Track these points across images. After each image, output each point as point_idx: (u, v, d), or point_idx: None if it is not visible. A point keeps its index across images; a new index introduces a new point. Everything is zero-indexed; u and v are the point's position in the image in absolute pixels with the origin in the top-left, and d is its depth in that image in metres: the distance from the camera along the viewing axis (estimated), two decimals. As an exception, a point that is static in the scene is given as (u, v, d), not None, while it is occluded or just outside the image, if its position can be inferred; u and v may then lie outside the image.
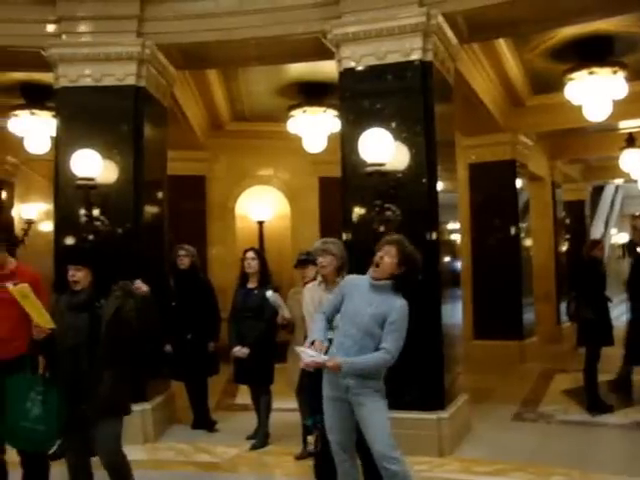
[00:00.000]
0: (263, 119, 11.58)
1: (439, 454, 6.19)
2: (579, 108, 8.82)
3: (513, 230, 11.35)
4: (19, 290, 4.22)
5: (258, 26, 7.05)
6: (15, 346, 4.74)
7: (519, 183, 11.50)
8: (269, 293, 6.30)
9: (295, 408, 6.44)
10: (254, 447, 6.66)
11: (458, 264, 7.54)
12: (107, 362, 4.23)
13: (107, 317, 4.23)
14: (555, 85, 9.35)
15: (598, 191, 20.63)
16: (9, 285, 4.41)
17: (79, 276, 4.34)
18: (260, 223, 12.60)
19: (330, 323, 4.44)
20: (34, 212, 13.45)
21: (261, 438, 6.74)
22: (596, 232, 20.04)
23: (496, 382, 9.32)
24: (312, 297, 5.32)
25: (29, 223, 12.84)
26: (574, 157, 14.55)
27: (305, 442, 6.21)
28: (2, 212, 11.84)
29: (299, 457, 6.26)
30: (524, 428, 7.28)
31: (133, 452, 4.46)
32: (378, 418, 4.29)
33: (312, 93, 10.04)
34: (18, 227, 12.57)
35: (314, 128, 10.09)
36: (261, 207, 12.65)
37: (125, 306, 4.26)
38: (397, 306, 4.29)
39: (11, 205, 12.30)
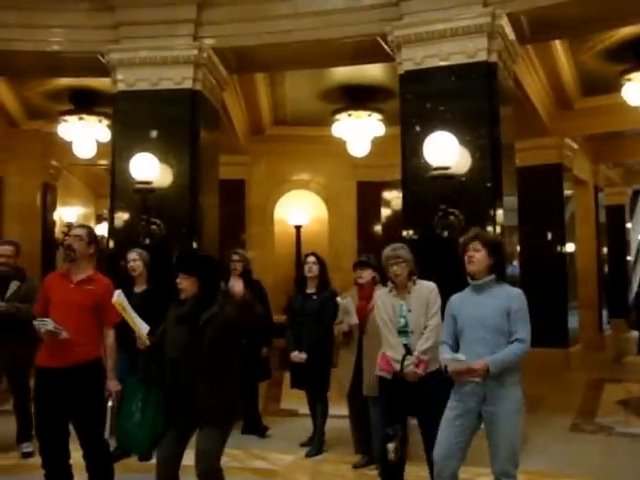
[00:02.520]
0: (304, 123, 11.54)
1: (499, 465, 6.05)
2: (634, 109, 8.66)
3: (559, 235, 11.18)
4: (118, 301, 4.19)
5: (314, 28, 7.01)
6: (84, 351, 4.68)
7: (565, 187, 11.32)
8: (339, 298, 6.20)
9: (347, 415, 6.36)
10: (310, 454, 6.55)
11: (517, 269, 7.40)
12: (206, 373, 4.10)
13: (201, 326, 4.09)
14: (608, 86, 9.20)
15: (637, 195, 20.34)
16: (117, 292, 4.36)
17: (185, 285, 4.16)
18: (298, 227, 12.56)
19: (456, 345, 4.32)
20: (74, 215, 13.57)
21: (317, 445, 6.63)
22: (635, 237, 19.76)
23: (545, 391, 9.13)
24: (383, 303, 5.22)
25: (69, 226, 12.89)
26: (617, 160, 14.35)
27: (365, 451, 6.12)
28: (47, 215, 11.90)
29: (357, 466, 6.15)
30: (584, 440, 7.09)
31: (186, 456, 4.37)
32: (512, 424, 4.12)
33: (357, 97, 10.01)
34: (59, 230, 12.66)
35: (359, 132, 10.02)
36: (299, 211, 12.62)
37: (223, 312, 4.15)
38: (515, 295, 4.22)
39: (54, 208, 12.36)
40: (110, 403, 4.66)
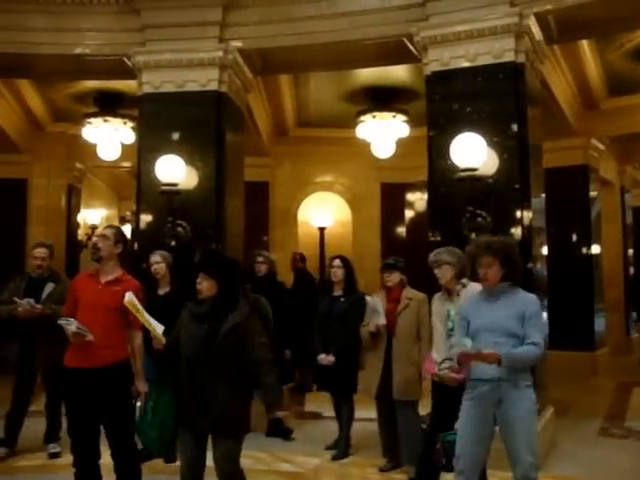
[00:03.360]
0: (328, 125, 11.53)
1: (528, 470, 5.98)
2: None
3: (584, 237, 11.07)
4: (130, 302, 4.17)
5: (340, 30, 7.00)
6: (113, 352, 4.70)
7: (591, 189, 11.21)
8: (369, 297, 6.15)
9: (373, 418, 6.32)
10: (336, 457, 6.51)
11: (545, 271, 7.33)
12: (223, 377, 4.09)
13: (225, 331, 4.10)
14: (635, 86, 9.12)
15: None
16: (128, 294, 4.37)
17: (204, 285, 4.17)
18: (321, 229, 12.55)
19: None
20: (97, 217, 13.66)
21: (342, 448, 6.59)
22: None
23: (572, 395, 9.02)
24: (437, 310, 5.22)
25: (93, 228, 13.03)
26: (644, 161, 14.18)
27: (392, 454, 6.08)
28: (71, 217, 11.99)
29: (384, 469, 6.11)
30: (613, 445, 6.99)
31: (210, 458, 4.37)
32: (528, 427, 4.10)
33: (381, 98, 9.98)
34: (83, 232, 12.75)
35: (383, 133, 9.98)
36: (322, 213, 12.61)
37: (248, 321, 4.16)
38: (528, 300, 4.19)
39: (78, 210, 12.45)
40: (139, 404, 4.66)
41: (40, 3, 7.31)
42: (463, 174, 6.06)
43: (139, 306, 4.26)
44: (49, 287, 6.29)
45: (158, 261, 6.26)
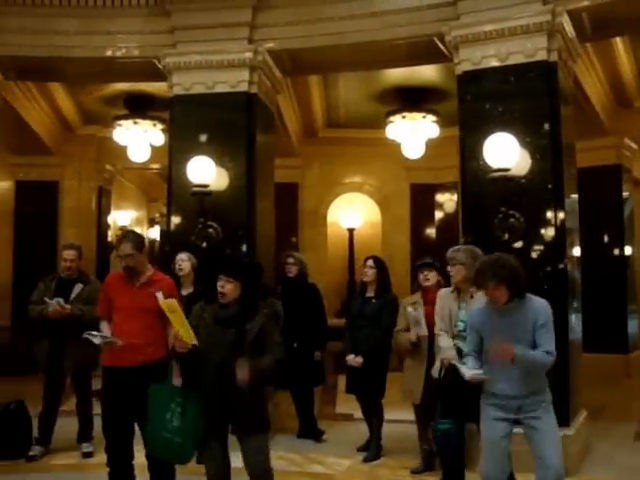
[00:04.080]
0: (357, 125, 11.49)
1: (564, 475, 5.87)
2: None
3: (617, 237, 10.90)
4: (168, 304, 4.16)
5: (370, 30, 6.97)
6: (151, 351, 4.74)
7: (624, 189, 11.04)
8: (410, 308, 6.10)
9: (406, 420, 6.28)
10: (367, 459, 6.50)
11: (577, 273, 7.23)
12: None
13: (252, 335, 4.12)
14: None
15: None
16: (159, 296, 4.39)
17: (228, 288, 4.17)
18: (350, 230, 12.51)
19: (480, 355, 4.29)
20: (127, 219, 13.77)
21: (373, 450, 6.57)
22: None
23: (605, 398, 8.89)
24: (442, 305, 5.18)
25: (123, 229, 13.09)
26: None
27: (426, 459, 6.03)
28: (102, 218, 12.09)
29: (415, 471, 6.07)
30: (650, 450, 6.91)
31: (240, 460, 4.37)
32: (555, 434, 4.16)
33: (411, 98, 9.94)
34: (113, 234, 12.84)
35: (413, 134, 9.93)
36: (352, 214, 12.58)
37: (269, 324, 4.20)
38: (539, 307, 4.16)
39: (108, 212, 12.56)
40: None
41: (72, 7, 7.39)
42: (496, 174, 6.00)
43: (175, 306, 4.20)
44: (78, 288, 6.37)
45: (184, 259, 6.38)
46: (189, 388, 4.25)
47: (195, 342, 4.11)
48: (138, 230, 13.10)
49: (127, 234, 5.05)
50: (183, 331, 4.13)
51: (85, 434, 6.48)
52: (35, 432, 6.45)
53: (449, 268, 5.13)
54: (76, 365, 6.27)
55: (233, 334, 4.10)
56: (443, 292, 5.33)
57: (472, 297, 4.95)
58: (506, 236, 5.97)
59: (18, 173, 11.37)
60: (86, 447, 6.40)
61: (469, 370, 4.15)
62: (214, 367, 4.10)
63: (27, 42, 7.39)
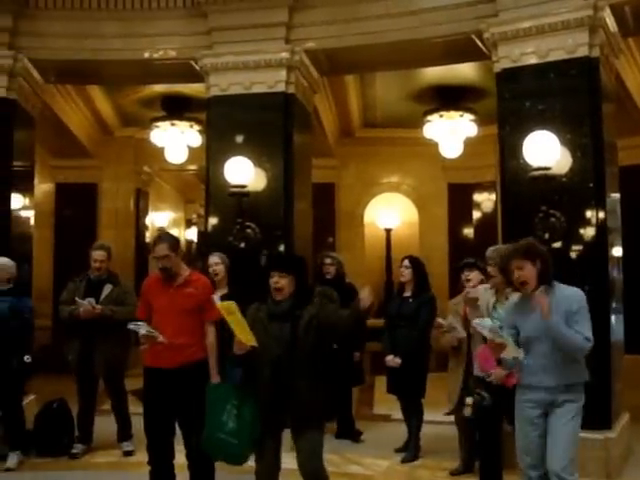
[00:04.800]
0: (394, 125, 11.45)
1: (606, 478, 5.78)
2: None
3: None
4: (226, 307, 4.14)
5: (407, 28, 6.91)
6: (190, 352, 4.75)
7: (667, 187, 10.81)
8: (441, 320, 6.08)
9: (445, 421, 6.23)
10: (405, 460, 6.47)
11: (619, 273, 7.11)
12: (306, 373, 4.12)
13: (304, 326, 4.13)
14: None
15: None
16: (216, 300, 4.41)
17: (283, 283, 4.20)
18: (388, 230, 12.47)
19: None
20: (165, 220, 13.88)
21: (412, 451, 6.54)
22: None
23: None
24: (482, 300, 5.17)
25: (160, 231, 13.19)
26: None
27: (466, 461, 5.99)
28: (140, 220, 12.22)
29: (454, 473, 6.03)
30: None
31: (290, 461, 4.37)
32: (567, 438, 4.04)
33: (448, 97, 9.87)
34: (151, 235, 12.95)
35: (451, 133, 9.86)
36: (389, 214, 12.53)
37: (323, 312, 4.17)
38: (571, 294, 4.10)
39: (146, 213, 12.68)
40: None
41: (110, 10, 7.47)
42: (536, 173, 5.90)
43: (233, 308, 4.13)
44: (107, 289, 6.43)
45: (217, 262, 6.25)
46: (246, 388, 4.25)
47: (255, 343, 4.10)
48: (175, 232, 13.30)
49: (162, 236, 5.07)
50: (241, 333, 4.10)
51: (124, 433, 6.55)
52: (77, 431, 6.54)
53: (489, 268, 5.12)
54: (106, 365, 6.33)
55: (288, 328, 4.13)
56: (482, 287, 5.33)
57: (507, 298, 4.90)
58: (547, 236, 5.87)
59: (58, 176, 11.55)
60: (126, 446, 6.47)
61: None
62: (270, 364, 4.12)
63: (67, 45, 7.49)
